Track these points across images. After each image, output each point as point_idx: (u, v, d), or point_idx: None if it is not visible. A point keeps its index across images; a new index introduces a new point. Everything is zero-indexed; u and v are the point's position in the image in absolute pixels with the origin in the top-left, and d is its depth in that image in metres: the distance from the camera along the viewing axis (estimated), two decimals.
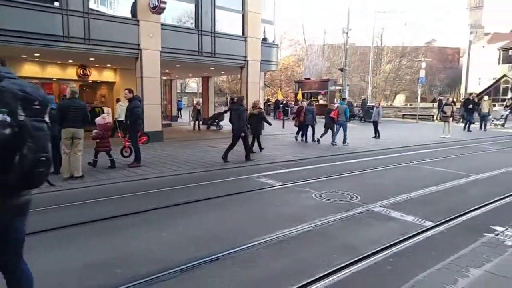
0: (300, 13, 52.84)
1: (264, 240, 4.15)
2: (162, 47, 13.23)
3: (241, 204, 5.88)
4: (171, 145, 12.25)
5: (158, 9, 12.45)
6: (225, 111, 19.49)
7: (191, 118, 18.28)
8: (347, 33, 26.00)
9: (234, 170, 8.44)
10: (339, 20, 78.71)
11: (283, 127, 19.03)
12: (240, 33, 15.98)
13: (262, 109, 12.68)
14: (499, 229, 4.55)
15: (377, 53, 39.96)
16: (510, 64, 47.73)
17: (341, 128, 12.56)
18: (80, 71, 16.09)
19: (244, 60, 15.96)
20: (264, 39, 17.18)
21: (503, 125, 20.72)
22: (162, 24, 13.24)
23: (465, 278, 3.34)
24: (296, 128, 13.77)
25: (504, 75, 41.38)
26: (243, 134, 9.13)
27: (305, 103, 14.24)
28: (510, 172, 8.25)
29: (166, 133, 14.13)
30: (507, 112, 21.50)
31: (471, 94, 22.23)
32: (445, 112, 15.41)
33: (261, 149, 10.99)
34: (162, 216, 5.17)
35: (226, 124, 18.40)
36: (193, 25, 14.58)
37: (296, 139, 13.58)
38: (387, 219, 4.97)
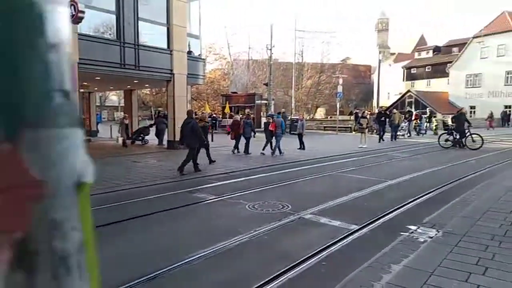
0: (225, 28, 54.03)
1: (202, 254, 4.10)
2: (80, 58, 12.43)
3: (176, 220, 5.73)
4: (96, 162, 11.46)
5: (75, 19, 11.71)
6: (151, 125, 18.89)
7: (118, 134, 17.23)
8: (271, 49, 27.14)
9: (164, 185, 8.19)
10: (262, 36, 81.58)
11: (212, 140, 18.98)
12: (165, 46, 15.72)
13: (207, 122, 13.45)
14: (413, 227, 5.07)
15: (299, 69, 42.23)
16: (412, 81, 54.14)
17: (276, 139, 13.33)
18: None
19: (170, 74, 15.69)
20: (189, 52, 17.12)
21: (409, 135, 22.68)
22: (79, 34, 12.47)
23: (388, 274, 3.66)
24: (233, 141, 14.01)
25: (409, 91, 46.72)
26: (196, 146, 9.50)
27: (238, 117, 14.52)
28: (418, 177, 9.25)
29: (87, 148, 13.20)
30: (406, 124, 23.53)
31: (381, 107, 24.50)
32: (361, 124, 16.78)
33: (210, 161, 11.09)
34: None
35: (152, 138, 17.87)
36: (115, 36, 13.99)
37: (233, 152, 13.79)
38: (317, 225, 5.24)
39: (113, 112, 56.39)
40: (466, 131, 15.46)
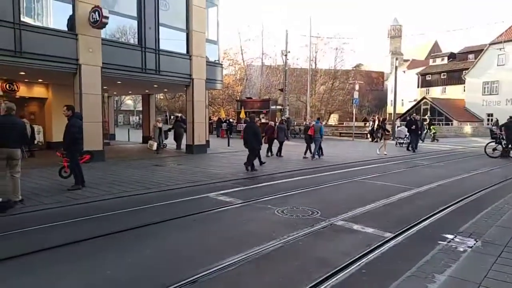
0: (239, 34, 54.43)
1: (239, 259, 4.06)
2: (103, 63, 12.62)
3: (204, 224, 5.71)
4: (118, 165, 11.58)
5: (99, 24, 11.90)
6: (169, 129, 18.99)
7: (152, 138, 16.59)
8: (286, 55, 27.15)
9: (187, 189, 8.20)
10: (275, 42, 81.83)
11: (229, 145, 19.04)
12: (184, 51, 15.86)
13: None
14: (449, 236, 4.96)
15: (312, 74, 42.14)
16: (427, 88, 53.55)
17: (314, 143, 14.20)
18: (5, 85, 14.65)
19: (189, 78, 15.81)
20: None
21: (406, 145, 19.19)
22: (103, 39, 12.67)
23: (433, 284, 3.56)
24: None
25: (424, 97, 46.25)
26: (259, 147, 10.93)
27: (272, 122, 16.34)
28: (444, 185, 9.07)
29: (108, 152, 13.37)
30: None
31: (410, 115, 23.82)
32: (388, 131, 16.69)
33: (261, 163, 11.82)
34: (121, 241, 4.82)
35: (170, 142, 17.98)
36: (136, 41, 14.18)
37: (267, 156, 14.35)
38: (350, 232, 5.16)
39: (129, 116, 56.97)
40: None
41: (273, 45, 78.17)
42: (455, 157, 16.07)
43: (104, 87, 17.71)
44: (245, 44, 46.43)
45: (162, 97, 47.83)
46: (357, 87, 23.81)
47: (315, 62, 48.87)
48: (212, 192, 7.69)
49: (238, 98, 38.51)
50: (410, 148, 17.86)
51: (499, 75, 41.96)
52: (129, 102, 60.20)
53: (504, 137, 14.79)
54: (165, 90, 21.87)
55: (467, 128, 32.51)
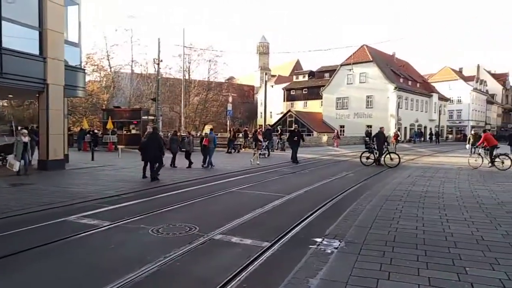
0: (105, 38, 50.06)
1: None
2: None
3: (62, 254, 4.84)
4: None
5: None
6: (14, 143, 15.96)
7: (14, 156, 12.83)
8: (158, 64, 26.27)
9: (41, 214, 6.94)
10: (146, 50, 78.74)
11: (93, 159, 17.15)
12: (37, 52, 13.73)
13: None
14: (318, 240, 5.30)
15: (186, 85, 41.87)
16: (292, 101, 59.10)
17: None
18: None
19: (43, 84, 13.72)
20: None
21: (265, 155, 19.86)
22: None
23: None
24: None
25: (289, 110, 50.90)
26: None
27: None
28: (311, 191, 9.89)
29: None
30: (267, 142, 21.08)
31: (268, 125, 25.44)
32: (260, 141, 17.44)
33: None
34: None
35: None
36: None
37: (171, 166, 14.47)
38: (229, 245, 5.06)
39: None
40: (385, 149, 16.00)
41: (144, 52, 75.00)
42: (316, 165, 17.84)
43: None
44: (112, 49, 43.33)
45: (6, 104, 40.67)
46: (230, 99, 24.56)
47: (189, 73, 48.87)
48: (73, 215, 6.67)
49: (104, 107, 35.55)
50: (292, 159, 17.62)
51: (348, 92, 49.15)
52: None
53: (376, 147, 16.28)
54: (10, 96, 18.56)
55: (325, 138, 36.89)
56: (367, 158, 16.17)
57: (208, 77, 50.41)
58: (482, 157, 15.35)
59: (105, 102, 40.19)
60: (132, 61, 43.99)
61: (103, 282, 3.72)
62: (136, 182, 10.94)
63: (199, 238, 5.28)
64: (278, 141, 26.14)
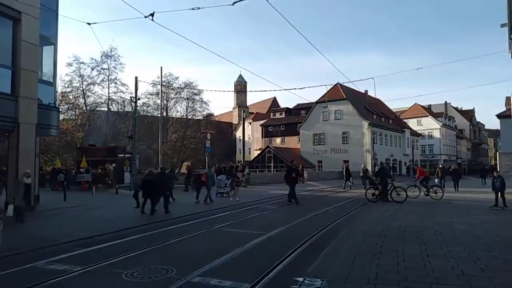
0: (80, 77, 49.45)
1: None
2: None
3: None
4: None
5: None
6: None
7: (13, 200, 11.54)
8: (135, 102, 26.20)
9: (5, 260, 6.49)
10: (123, 88, 78.40)
11: (65, 199, 16.48)
12: (9, 91, 13.43)
13: None
14: (300, 279, 5.16)
15: (164, 123, 41.73)
16: (270, 138, 59.76)
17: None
18: None
19: (14, 123, 13.32)
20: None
21: (228, 194, 18.25)
22: None
23: None
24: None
25: (268, 146, 51.32)
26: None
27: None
28: (292, 227, 9.75)
29: None
30: (230, 180, 18.46)
31: (239, 162, 25.01)
32: (238, 178, 17.31)
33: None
34: None
35: None
36: None
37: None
38: None
39: None
40: (390, 184, 15.60)
41: (121, 91, 74.58)
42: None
43: None
44: (88, 87, 43.04)
45: None
46: (209, 136, 24.58)
47: (167, 111, 48.83)
48: (41, 260, 6.25)
49: (78, 145, 34.74)
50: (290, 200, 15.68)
51: (324, 128, 50.27)
52: None
53: (379, 183, 15.92)
54: None
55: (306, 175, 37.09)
56: (373, 194, 15.75)
57: (186, 115, 50.53)
58: (419, 188, 17.23)
59: (80, 140, 39.34)
60: (109, 99, 43.74)
61: None
62: (111, 222, 10.50)
63: (176, 282, 5.03)
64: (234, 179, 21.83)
